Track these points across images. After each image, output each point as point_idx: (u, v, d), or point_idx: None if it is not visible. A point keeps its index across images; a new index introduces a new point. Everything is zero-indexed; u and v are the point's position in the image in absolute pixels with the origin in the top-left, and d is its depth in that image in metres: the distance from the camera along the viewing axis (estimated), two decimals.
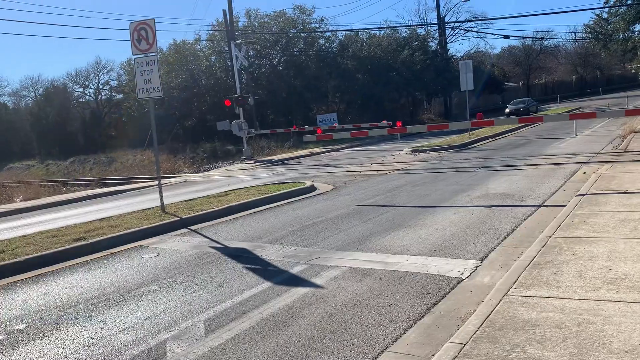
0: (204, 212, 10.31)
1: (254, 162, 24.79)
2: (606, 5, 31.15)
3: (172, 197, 13.63)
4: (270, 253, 7.28)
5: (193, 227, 9.52)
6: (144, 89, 10.64)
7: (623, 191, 8.48)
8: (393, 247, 7.01)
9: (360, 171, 16.53)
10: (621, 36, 30.81)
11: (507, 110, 41.58)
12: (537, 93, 64.43)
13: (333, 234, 8.05)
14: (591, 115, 14.42)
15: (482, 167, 14.42)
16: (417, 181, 13.09)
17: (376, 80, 39.94)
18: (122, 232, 8.89)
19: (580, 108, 40.92)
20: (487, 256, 6.28)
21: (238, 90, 27.25)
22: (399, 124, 20.19)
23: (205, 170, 25.54)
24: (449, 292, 5.25)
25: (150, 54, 10.46)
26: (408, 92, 44.25)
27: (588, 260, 5.29)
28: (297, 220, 9.39)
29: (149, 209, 11.33)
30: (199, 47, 41.60)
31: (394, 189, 12.17)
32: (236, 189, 13.63)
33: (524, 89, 64.25)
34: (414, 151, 20.74)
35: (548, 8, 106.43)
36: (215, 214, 10.32)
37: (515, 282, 4.93)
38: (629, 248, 5.54)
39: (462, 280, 5.52)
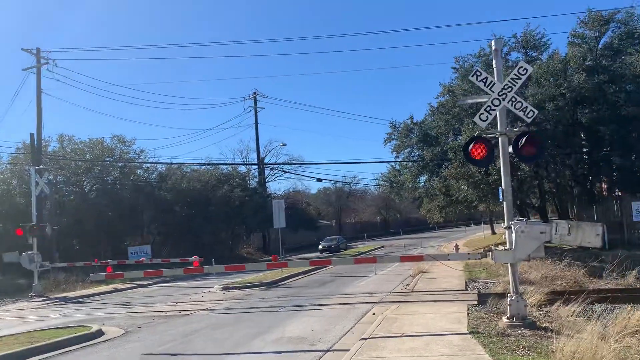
0: None
1: (44, 300, 21.76)
2: (397, 160, 36.84)
3: None
4: None
5: None
6: None
7: (400, 334, 9.09)
8: None
9: (162, 311, 15.44)
10: (410, 185, 35.94)
11: (320, 246, 44.13)
12: (349, 231, 69.93)
13: None
14: (372, 260, 16.22)
15: (285, 307, 14.52)
16: (219, 323, 12.59)
17: (195, 213, 39.78)
18: None
19: (383, 246, 45.24)
20: None
21: (34, 219, 24.63)
22: (195, 264, 21.01)
23: None
24: None
25: None
26: (228, 226, 44.57)
27: None
28: None
29: None
30: None
31: (192, 332, 11.48)
32: (3, 337, 11.58)
33: (336, 227, 69.39)
34: (224, 288, 20.28)
35: (355, 157, 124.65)
36: None
37: None
38: None
39: None
